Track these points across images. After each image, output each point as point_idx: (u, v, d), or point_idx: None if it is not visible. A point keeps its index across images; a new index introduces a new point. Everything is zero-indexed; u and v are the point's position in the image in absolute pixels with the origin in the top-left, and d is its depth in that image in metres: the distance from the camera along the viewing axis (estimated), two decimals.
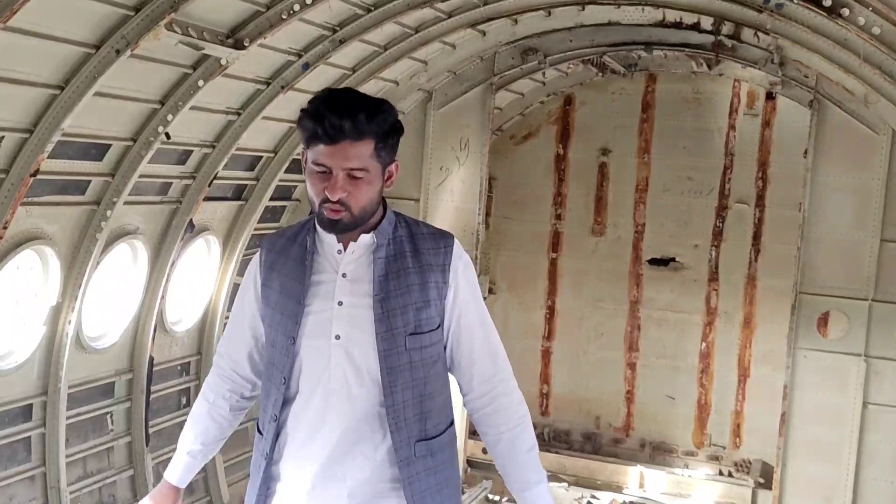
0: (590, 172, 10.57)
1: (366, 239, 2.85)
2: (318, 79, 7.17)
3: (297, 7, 6.01)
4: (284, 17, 6.03)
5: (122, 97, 5.76)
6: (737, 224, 10.06)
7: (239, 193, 7.71)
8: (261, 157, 7.65)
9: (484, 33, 8.17)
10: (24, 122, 5.28)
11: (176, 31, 5.44)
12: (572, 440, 10.73)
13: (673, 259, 10.33)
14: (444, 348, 2.96)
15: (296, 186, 8.40)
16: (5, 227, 5.41)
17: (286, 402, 2.86)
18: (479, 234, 9.01)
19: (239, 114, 6.88)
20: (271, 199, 7.91)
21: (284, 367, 2.84)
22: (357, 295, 2.82)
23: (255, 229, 7.88)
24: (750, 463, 10.08)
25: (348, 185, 2.71)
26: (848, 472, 7.97)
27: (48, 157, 5.41)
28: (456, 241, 2.96)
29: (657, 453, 10.44)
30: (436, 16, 7.33)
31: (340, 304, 2.82)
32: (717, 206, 10.10)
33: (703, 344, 10.27)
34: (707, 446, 10.36)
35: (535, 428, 10.81)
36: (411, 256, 2.87)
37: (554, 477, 10.01)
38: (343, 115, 2.65)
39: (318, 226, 2.87)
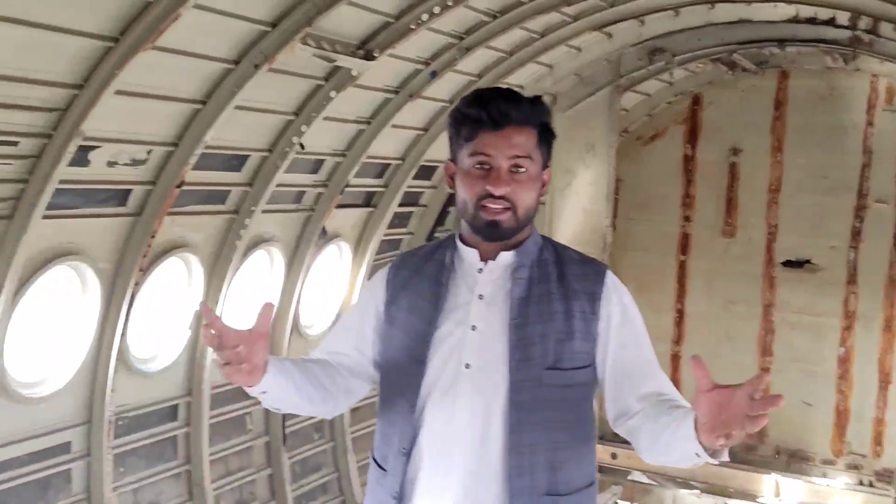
0: (719, 173, 10.34)
1: (506, 257, 2.57)
2: (445, 86, 7.28)
3: (425, 17, 6.12)
4: (413, 27, 6.14)
5: (259, 110, 5.99)
6: (876, 224, 9.64)
7: (369, 200, 7.89)
8: (389, 164, 7.80)
9: (610, 35, 8.10)
10: (170, 136, 5.55)
11: (310, 45, 5.62)
12: None
13: (808, 261, 9.99)
14: (596, 388, 2.60)
15: (423, 192, 8.52)
16: (153, 237, 5.71)
17: (414, 433, 2.53)
18: (607, 236, 8.94)
19: (369, 122, 7.04)
20: (400, 205, 8.05)
21: (411, 395, 2.53)
22: (492, 319, 2.52)
23: (385, 235, 8.04)
24: (892, 472, 9.64)
25: (511, 181, 2.48)
26: None
27: (192, 169, 5.67)
28: (608, 269, 2.67)
29: (793, 461, 10.10)
30: (562, 19, 7.32)
31: (474, 328, 2.51)
32: (855, 205, 9.71)
33: (842, 348, 9.89)
34: (846, 455, 9.97)
35: None
36: (556, 281, 2.56)
37: (684, 483, 9.84)
38: (509, 100, 2.52)
39: (460, 241, 2.62)
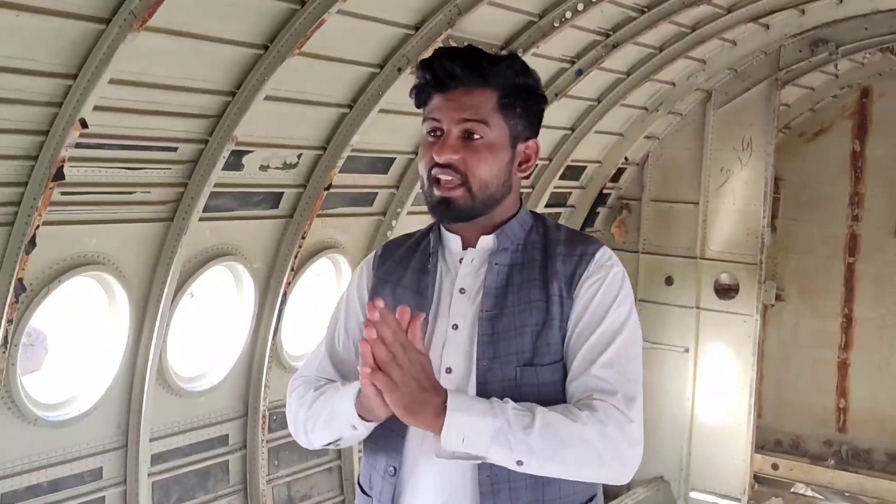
0: (891, 169, 9.71)
1: (486, 242, 2.20)
2: (592, 84, 7.18)
3: (568, 14, 6.05)
4: (556, 25, 6.08)
5: (403, 112, 6.07)
6: None
7: None
8: (536, 164, 7.74)
9: (767, 27, 7.77)
10: (318, 140, 5.72)
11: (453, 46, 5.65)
12: (874, 460, 9.89)
13: None
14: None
15: (570, 193, 8.44)
16: (304, 237, 5.90)
17: (401, 451, 2.14)
18: (765, 237, 8.57)
19: None
20: (546, 205, 8.00)
21: None
22: (472, 315, 2.15)
23: None
24: None
25: (462, 148, 2.10)
26: None
27: (339, 172, 5.82)
28: (604, 249, 2.21)
29: None
30: (714, 12, 7.08)
31: (455, 327, 2.15)
32: None
33: None
34: None
35: (830, 445, 10.04)
36: (540, 266, 2.17)
37: (853, 498, 9.30)
38: (458, 58, 2.13)
39: (441, 225, 2.25)
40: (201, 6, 4.43)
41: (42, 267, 4.64)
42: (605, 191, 8.83)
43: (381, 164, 6.34)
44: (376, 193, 6.45)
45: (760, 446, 9.25)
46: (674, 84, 8.12)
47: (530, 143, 2.21)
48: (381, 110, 5.69)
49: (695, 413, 8.73)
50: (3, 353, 4.40)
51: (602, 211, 9.07)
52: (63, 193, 4.50)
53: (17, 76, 4.03)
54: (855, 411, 9.96)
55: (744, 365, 8.59)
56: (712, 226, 8.68)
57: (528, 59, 6.13)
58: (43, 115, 4.24)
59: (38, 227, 4.34)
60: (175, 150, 5.00)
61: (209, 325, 6.25)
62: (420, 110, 2.19)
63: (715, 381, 8.62)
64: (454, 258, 2.22)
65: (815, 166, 10.06)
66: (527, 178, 2.27)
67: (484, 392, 2.06)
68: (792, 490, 9.55)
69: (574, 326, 2.12)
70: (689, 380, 8.76)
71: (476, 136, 2.11)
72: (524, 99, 2.16)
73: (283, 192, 5.80)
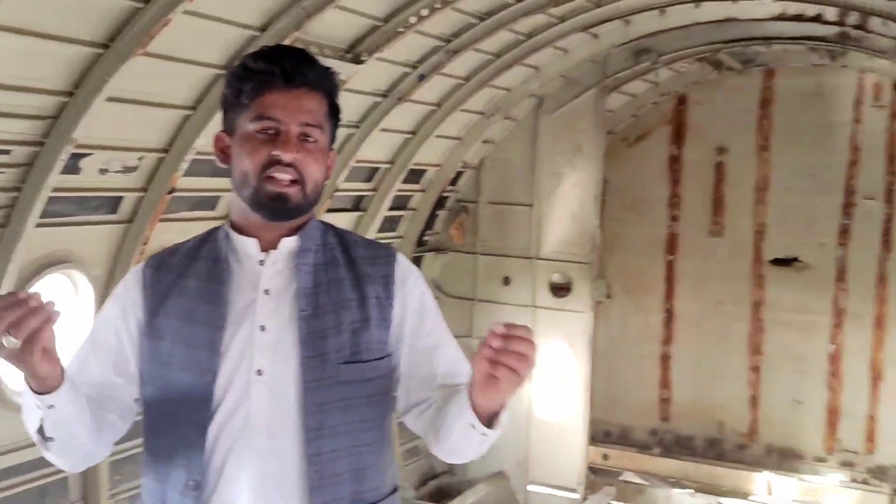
0: (706, 172, 10.35)
1: (289, 244, 2.26)
2: (433, 89, 7.29)
3: (412, 20, 6.13)
4: (401, 30, 6.15)
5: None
6: (865, 221, 9.67)
7: (357, 204, 7.88)
8: (378, 168, 7.80)
9: (596, 36, 8.12)
10: (161, 142, 5.54)
11: None
12: (695, 446, 10.53)
13: (796, 259, 10.03)
14: (394, 382, 2.32)
15: (412, 196, 8.53)
16: (146, 243, 5.69)
17: (204, 463, 2.15)
18: (596, 239, 8.96)
19: (357, 126, 7.03)
20: (389, 209, 8.05)
21: (202, 415, 2.14)
22: (282, 315, 2.20)
23: (375, 239, 8.02)
24: (885, 469, 9.69)
25: (301, 149, 2.18)
26: None
27: (183, 175, 5.65)
28: (400, 253, 2.41)
29: (785, 459, 10.13)
30: (548, 21, 7.35)
31: (263, 328, 2.19)
32: (843, 202, 9.73)
33: (832, 346, 9.93)
34: (838, 452, 10.00)
35: (655, 434, 10.59)
36: (345, 266, 2.28)
37: (677, 483, 9.86)
38: (303, 59, 2.23)
39: (233, 231, 2.29)
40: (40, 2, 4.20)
41: None
42: (444, 194, 8.98)
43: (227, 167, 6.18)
44: (220, 197, 6.30)
45: (592, 438, 9.65)
46: (509, 90, 8.36)
47: (332, 152, 2.31)
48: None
49: (533, 409, 9.01)
50: None
51: (441, 213, 9.22)
52: None
53: None
54: (677, 401, 10.57)
55: (579, 360, 8.94)
56: (546, 227, 8.98)
57: (373, 62, 6.20)
58: None
59: None
60: (8, 152, 4.70)
61: None
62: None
63: (552, 377, 8.91)
64: (252, 261, 2.26)
65: (638, 170, 10.60)
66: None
67: (311, 389, 2.16)
68: (621, 478, 10.01)
69: (413, 324, 2.30)
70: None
71: (312, 139, 2.20)
72: (337, 112, 2.31)
73: (122, 197, 5.57)
